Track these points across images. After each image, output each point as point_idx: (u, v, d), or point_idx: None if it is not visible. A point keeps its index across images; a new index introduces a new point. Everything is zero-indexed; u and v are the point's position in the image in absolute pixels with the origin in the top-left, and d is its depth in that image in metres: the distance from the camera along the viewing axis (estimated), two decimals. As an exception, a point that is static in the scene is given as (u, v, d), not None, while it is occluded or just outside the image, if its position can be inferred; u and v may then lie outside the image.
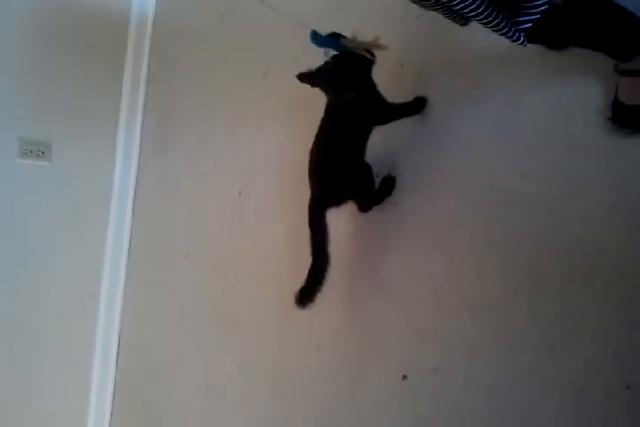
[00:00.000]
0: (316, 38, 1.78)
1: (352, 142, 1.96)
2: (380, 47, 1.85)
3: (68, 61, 2.94)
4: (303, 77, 1.98)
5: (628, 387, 1.61)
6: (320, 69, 1.93)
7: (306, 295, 1.97)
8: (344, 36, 1.85)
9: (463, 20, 1.56)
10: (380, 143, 2.06)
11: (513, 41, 1.42)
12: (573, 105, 1.73)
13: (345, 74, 1.90)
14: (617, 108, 1.61)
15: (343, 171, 1.96)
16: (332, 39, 1.84)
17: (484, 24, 1.38)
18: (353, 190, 2.02)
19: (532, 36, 1.45)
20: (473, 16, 1.35)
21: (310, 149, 1.99)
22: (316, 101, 2.24)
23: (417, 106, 2.03)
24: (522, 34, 1.40)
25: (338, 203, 2.00)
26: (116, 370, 3.14)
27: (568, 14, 1.39)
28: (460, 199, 1.94)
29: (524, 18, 1.36)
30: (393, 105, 1.98)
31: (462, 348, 1.90)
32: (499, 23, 1.37)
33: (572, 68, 1.74)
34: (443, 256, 1.95)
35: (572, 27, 1.45)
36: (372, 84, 1.94)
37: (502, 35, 1.43)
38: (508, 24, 1.38)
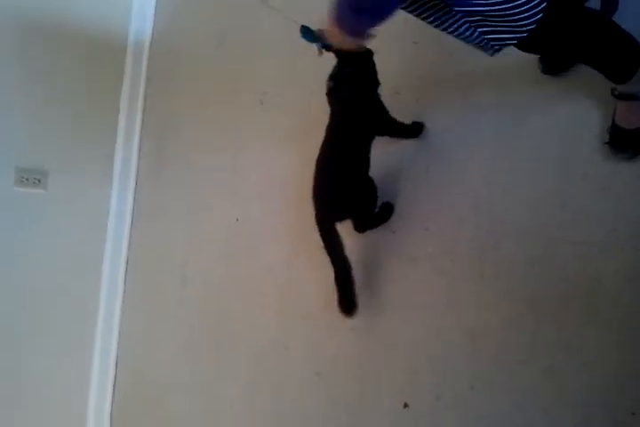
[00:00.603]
0: (307, 33, 1.77)
1: (354, 151, 1.93)
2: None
3: (65, 88, 2.94)
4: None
5: (633, 414, 1.59)
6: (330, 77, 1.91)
7: (347, 302, 1.92)
8: None
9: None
10: (379, 170, 2.06)
11: (483, 50, 1.42)
12: (572, 129, 1.74)
13: (348, 73, 1.88)
14: (614, 132, 1.61)
15: (346, 184, 1.93)
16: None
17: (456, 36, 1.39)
18: (354, 207, 1.99)
19: (524, 47, 1.44)
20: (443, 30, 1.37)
21: (316, 158, 1.97)
22: (314, 127, 2.24)
23: (414, 130, 2.03)
24: (492, 44, 1.39)
25: (340, 218, 1.97)
26: (113, 399, 3.09)
27: (558, 31, 1.39)
28: (458, 226, 1.94)
29: (509, 35, 1.35)
30: (393, 118, 1.97)
31: (464, 375, 1.88)
32: (469, 36, 1.37)
33: (570, 91, 1.75)
34: (442, 283, 1.95)
35: (565, 42, 1.45)
36: (375, 83, 1.91)
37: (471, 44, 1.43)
38: (480, 37, 1.37)
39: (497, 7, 1.26)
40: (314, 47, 1.73)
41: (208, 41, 2.85)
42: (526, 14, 1.27)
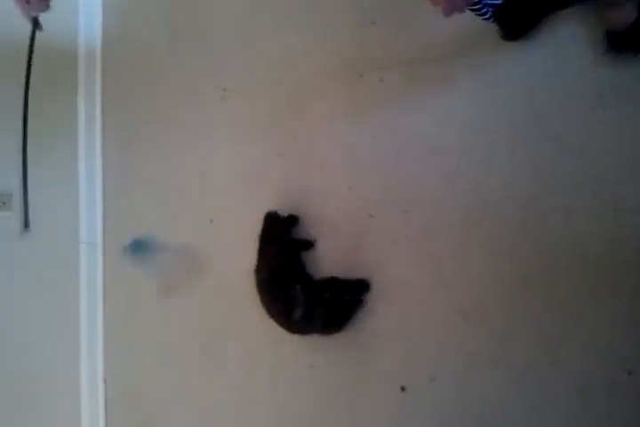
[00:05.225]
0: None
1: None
2: None
3: (19, 106, 2.87)
4: None
5: (630, 373, 1.61)
6: None
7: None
8: None
9: None
10: (352, 159, 2.08)
11: (481, 16, 1.43)
12: (540, 91, 1.75)
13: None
14: (611, 38, 1.64)
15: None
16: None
17: None
18: None
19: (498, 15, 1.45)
20: None
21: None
22: (278, 115, 2.23)
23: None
24: (490, 9, 1.41)
25: None
26: (106, 418, 3.04)
27: None
28: (437, 205, 1.93)
29: None
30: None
31: (458, 353, 1.88)
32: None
33: (533, 53, 1.76)
34: (427, 263, 1.94)
35: None
36: None
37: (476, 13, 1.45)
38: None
39: None
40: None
41: (160, 42, 2.80)
42: None
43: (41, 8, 1.87)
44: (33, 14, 1.91)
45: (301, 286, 2.04)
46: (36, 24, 1.98)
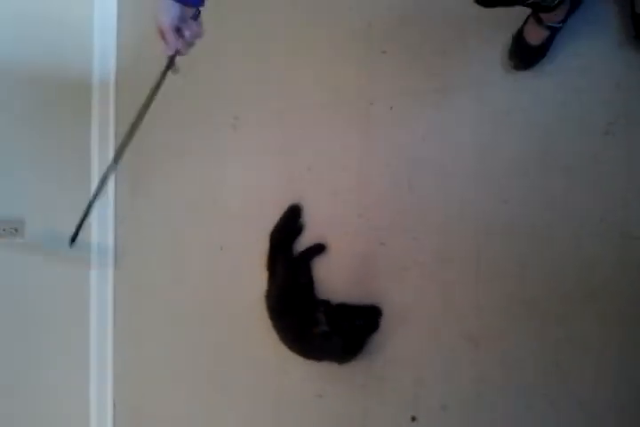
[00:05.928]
0: None
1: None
2: None
3: (33, 135, 2.90)
4: None
5: None
6: None
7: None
8: None
9: None
10: (363, 186, 2.10)
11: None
12: (551, 120, 1.77)
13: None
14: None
15: None
16: None
17: None
18: None
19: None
20: None
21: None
22: (289, 147, 2.24)
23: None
24: None
25: None
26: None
27: None
28: (446, 232, 1.94)
29: None
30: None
31: (469, 381, 1.87)
32: None
33: (547, 84, 1.78)
34: (436, 290, 1.94)
35: None
36: None
37: None
38: None
39: None
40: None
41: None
42: None
43: (183, 44, 1.63)
44: (171, 52, 1.64)
45: (323, 313, 2.01)
46: (171, 62, 1.70)
